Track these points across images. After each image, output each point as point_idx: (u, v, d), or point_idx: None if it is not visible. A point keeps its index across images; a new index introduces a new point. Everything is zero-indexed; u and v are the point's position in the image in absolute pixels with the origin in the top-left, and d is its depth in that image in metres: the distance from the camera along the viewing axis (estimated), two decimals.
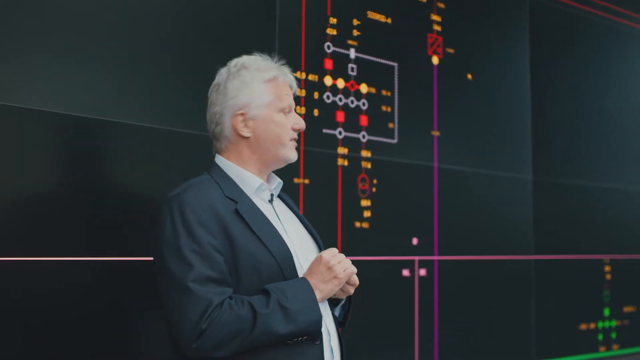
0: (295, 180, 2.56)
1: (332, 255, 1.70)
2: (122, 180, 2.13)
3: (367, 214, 2.78)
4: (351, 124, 2.76)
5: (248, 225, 1.66)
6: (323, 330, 1.71)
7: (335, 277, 1.68)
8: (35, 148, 1.95)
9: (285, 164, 1.83)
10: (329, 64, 2.71)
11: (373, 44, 2.87)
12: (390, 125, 2.90)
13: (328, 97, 2.70)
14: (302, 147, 2.58)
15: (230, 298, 1.59)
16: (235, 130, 1.76)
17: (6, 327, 1.86)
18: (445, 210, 3.06)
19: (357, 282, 1.78)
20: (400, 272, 2.88)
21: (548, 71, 3.60)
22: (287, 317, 1.59)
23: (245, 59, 1.84)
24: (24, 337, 1.90)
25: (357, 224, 2.74)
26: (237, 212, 1.66)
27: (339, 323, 1.87)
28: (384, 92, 2.89)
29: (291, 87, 1.85)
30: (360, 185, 2.77)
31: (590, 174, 3.77)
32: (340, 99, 2.73)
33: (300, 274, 1.72)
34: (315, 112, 2.64)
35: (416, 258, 2.93)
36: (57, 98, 1.99)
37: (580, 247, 3.67)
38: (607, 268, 3.80)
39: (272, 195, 1.81)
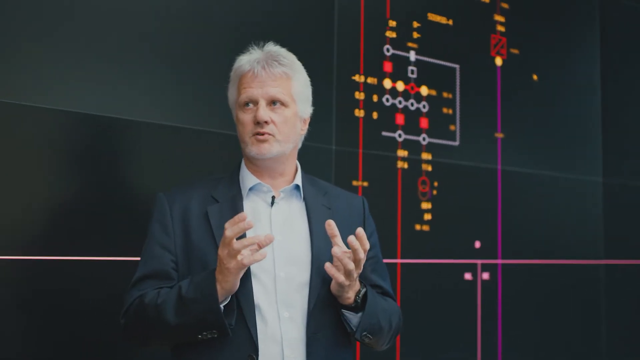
0: (354, 182, 2.57)
1: (224, 244, 1.51)
2: (142, 179, 2.13)
3: (427, 216, 2.76)
4: (411, 126, 2.75)
5: (211, 228, 1.65)
6: (270, 353, 1.59)
7: (225, 268, 1.51)
8: (52, 147, 1.97)
9: (262, 162, 1.70)
10: (388, 66, 2.71)
11: (434, 46, 2.85)
12: (452, 127, 2.88)
13: (387, 100, 2.70)
14: (360, 150, 2.59)
15: (161, 288, 1.62)
16: None
17: (16, 323, 1.92)
18: (509, 213, 3.01)
19: (348, 266, 1.54)
20: (462, 276, 2.84)
21: (620, 70, 3.49)
22: (180, 306, 1.54)
23: None
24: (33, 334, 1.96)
25: (418, 227, 2.73)
26: (207, 213, 1.66)
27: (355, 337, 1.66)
28: (445, 95, 2.87)
29: (255, 74, 1.69)
30: (420, 187, 2.76)
31: None
32: (399, 102, 2.73)
33: (258, 286, 1.62)
34: (374, 115, 2.65)
35: (479, 262, 2.89)
36: (75, 97, 2.00)
37: None
38: None
39: (273, 197, 1.70)
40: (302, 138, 1.81)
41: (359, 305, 1.64)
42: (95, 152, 2.04)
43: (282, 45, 1.80)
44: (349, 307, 1.65)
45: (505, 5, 3.10)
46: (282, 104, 1.69)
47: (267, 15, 2.40)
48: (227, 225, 1.50)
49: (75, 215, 1.99)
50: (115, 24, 2.08)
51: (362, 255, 1.56)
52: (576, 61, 3.35)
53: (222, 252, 1.50)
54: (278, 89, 1.69)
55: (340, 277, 1.57)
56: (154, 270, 1.65)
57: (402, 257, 2.66)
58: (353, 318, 1.65)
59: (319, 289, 1.65)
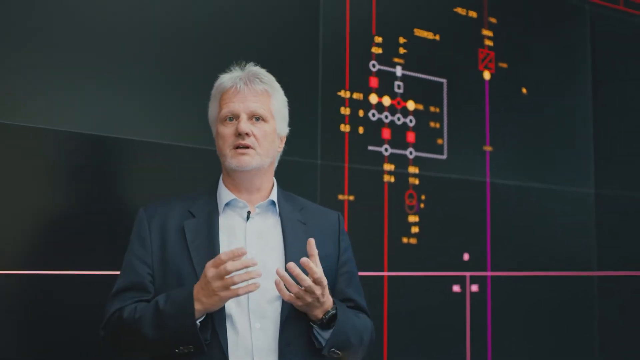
0: (340, 197, 2.60)
1: (214, 268, 1.56)
2: (137, 196, 2.17)
3: (414, 229, 2.78)
4: (398, 140, 2.78)
5: (187, 242, 1.71)
6: None
7: (215, 294, 1.56)
8: (39, 165, 2.02)
9: (240, 175, 1.76)
10: (374, 82, 2.75)
11: (420, 61, 2.88)
12: (439, 141, 2.90)
13: (373, 115, 2.73)
14: (346, 164, 2.63)
15: (139, 302, 1.67)
16: None
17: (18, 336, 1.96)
18: (499, 225, 3.02)
19: (303, 282, 1.59)
20: (451, 288, 2.86)
21: (611, 82, 3.50)
22: (157, 321, 1.59)
23: None
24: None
25: (405, 240, 2.75)
26: (183, 228, 1.71)
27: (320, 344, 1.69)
28: (432, 109, 2.90)
29: (237, 90, 1.76)
30: (407, 201, 2.78)
31: None
32: (386, 116, 2.76)
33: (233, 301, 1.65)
34: (360, 130, 2.68)
35: (467, 274, 2.91)
36: (61, 116, 2.04)
37: None
38: None
39: (248, 213, 1.75)
40: (279, 156, 1.88)
41: (325, 323, 1.68)
42: (82, 169, 2.09)
43: (268, 60, 1.86)
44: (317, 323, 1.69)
45: (493, 20, 3.13)
46: (262, 119, 1.77)
47: (253, 31, 2.44)
48: (225, 257, 1.54)
49: (64, 231, 2.03)
50: (102, 42, 2.13)
51: (309, 283, 1.59)
52: (567, 73, 3.37)
53: (216, 282, 1.55)
54: (259, 105, 1.76)
55: (286, 294, 1.61)
56: (131, 283, 1.71)
57: (389, 270, 2.68)
58: (323, 333, 1.69)
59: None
